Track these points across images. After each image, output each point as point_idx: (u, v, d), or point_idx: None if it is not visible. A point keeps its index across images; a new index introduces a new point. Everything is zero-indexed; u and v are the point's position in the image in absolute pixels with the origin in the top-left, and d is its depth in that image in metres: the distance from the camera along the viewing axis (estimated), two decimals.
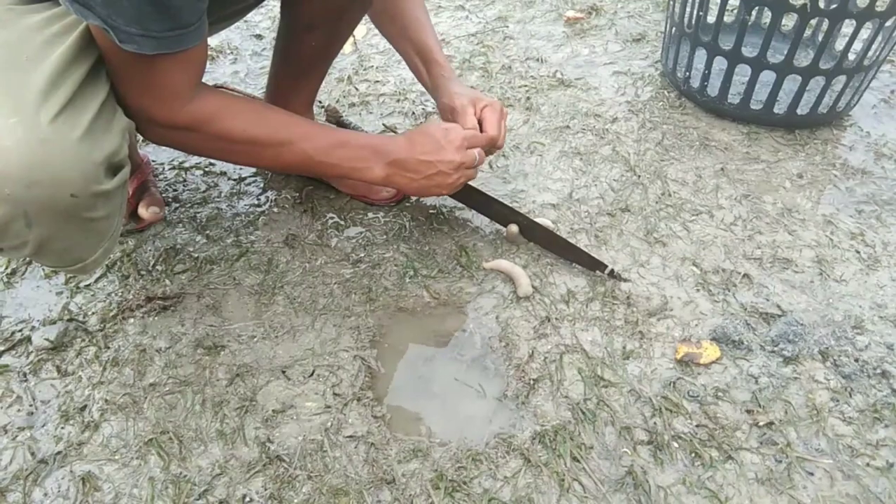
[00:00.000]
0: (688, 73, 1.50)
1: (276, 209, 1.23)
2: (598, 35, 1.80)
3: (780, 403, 0.93)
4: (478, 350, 1.00)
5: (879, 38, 1.32)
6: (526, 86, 1.59)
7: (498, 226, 1.18)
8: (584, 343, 1.00)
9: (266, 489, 0.83)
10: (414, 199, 1.25)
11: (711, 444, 0.88)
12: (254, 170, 1.31)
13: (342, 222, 1.20)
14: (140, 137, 1.36)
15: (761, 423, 0.90)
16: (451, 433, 0.89)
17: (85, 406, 0.92)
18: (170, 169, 1.32)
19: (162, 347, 0.99)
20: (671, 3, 1.50)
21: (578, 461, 0.86)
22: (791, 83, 1.38)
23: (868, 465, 0.86)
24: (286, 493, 0.83)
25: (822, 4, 1.24)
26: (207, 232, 1.18)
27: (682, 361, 0.98)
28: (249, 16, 1.68)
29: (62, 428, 0.89)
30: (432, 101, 1.23)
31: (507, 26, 1.84)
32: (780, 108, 1.42)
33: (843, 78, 1.37)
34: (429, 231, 1.19)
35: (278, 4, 1.07)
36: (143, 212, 1.14)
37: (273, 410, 0.91)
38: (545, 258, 1.14)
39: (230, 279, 1.09)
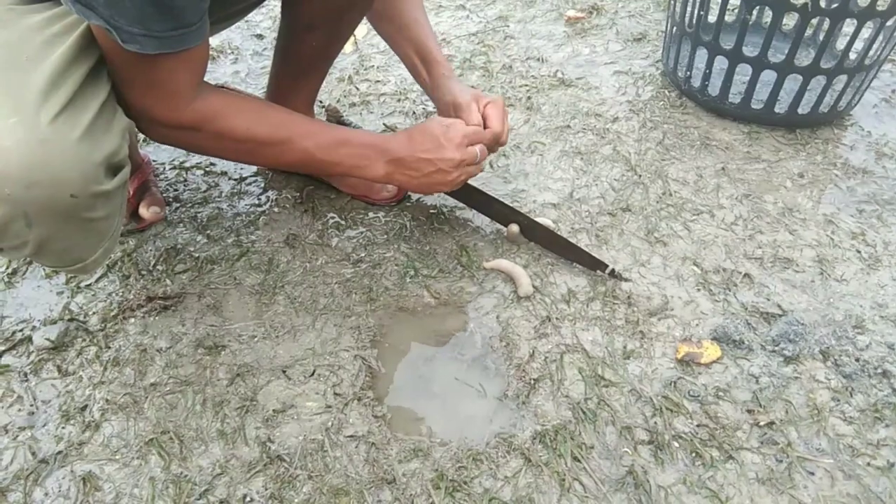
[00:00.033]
0: (689, 73, 1.50)
1: (276, 209, 1.23)
2: (599, 34, 1.80)
3: (780, 403, 0.93)
4: (478, 350, 1.00)
5: (880, 37, 1.32)
6: (527, 85, 1.59)
7: (498, 225, 1.18)
8: (584, 343, 1.00)
9: (267, 489, 0.83)
10: (415, 198, 1.25)
11: (712, 443, 0.88)
12: (254, 170, 1.32)
13: (343, 222, 1.20)
14: (141, 137, 1.37)
15: (762, 423, 0.90)
16: (452, 433, 0.89)
17: (86, 406, 0.92)
18: (170, 169, 1.32)
19: (163, 347, 0.99)
20: (672, 2, 1.50)
21: (579, 461, 0.86)
22: (792, 83, 1.38)
23: (869, 464, 0.86)
24: (287, 493, 0.83)
25: (823, 4, 1.24)
26: (208, 232, 1.18)
27: (683, 361, 0.98)
28: (250, 16, 1.68)
29: (63, 428, 0.89)
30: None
31: (508, 26, 1.84)
32: (780, 108, 1.42)
33: (844, 77, 1.37)
34: (429, 231, 1.19)
35: (279, 4, 1.07)
36: (144, 211, 1.14)
37: (274, 410, 0.91)
38: (546, 258, 1.14)
39: (231, 279, 1.09)
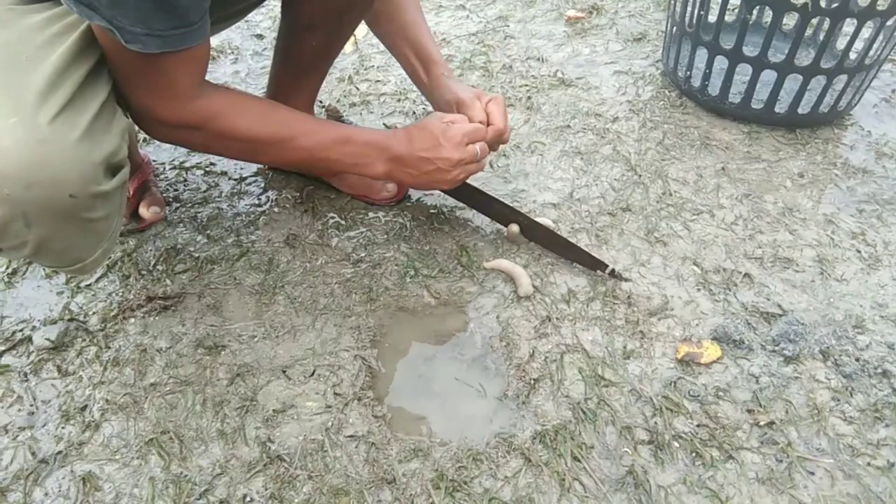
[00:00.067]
0: (689, 73, 1.50)
1: (276, 209, 1.23)
2: (599, 34, 1.80)
3: (780, 403, 0.93)
4: (478, 350, 1.00)
5: (881, 37, 1.32)
6: (527, 85, 1.59)
7: (499, 225, 1.18)
8: (584, 343, 1.00)
9: (267, 489, 0.83)
10: (415, 198, 1.25)
11: (712, 443, 0.88)
12: (254, 169, 1.32)
13: (343, 222, 1.20)
14: (141, 137, 1.37)
15: (762, 423, 0.90)
16: (452, 433, 0.89)
17: (86, 406, 0.92)
18: (170, 169, 1.32)
19: (163, 347, 0.99)
20: (672, 2, 1.50)
21: (579, 461, 0.86)
22: (792, 82, 1.38)
23: (869, 464, 0.86)
24: (287, 493, 0.83)
25: (823, 4, 1.24)
26: (208, 232, 1.18)
27: (683, 361, 0.98)
28: (250, 15, 1.68)
29: (63, 428, 0.89)
30: None
31: (508, 25, 1.84)
32: (781, 108, 1.42)
33: (844, 77, 1.37)
34: (429, 231, 1.19)
35: (279, 4, 1.07)
36: (144, 211, 1.14)
37: (274, 410, 0.91)
38: (546, 258, 1.14)
39: (231, 279, 1.09)
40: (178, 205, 1.23)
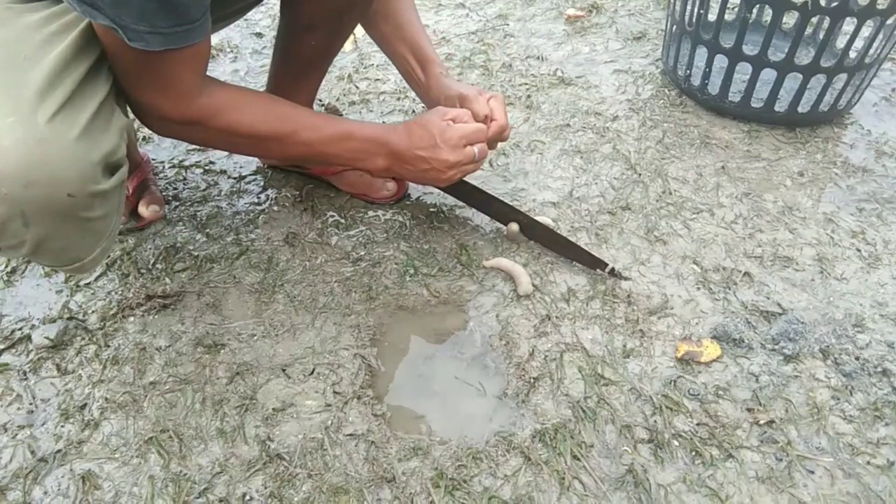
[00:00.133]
0: (688, 72, 1.50)
1: (276, 207, 1.23)
2: (599, 33, 1.80)
3: (780, 402, 0.93)
4: (478, 348, 1.00)
5: (880, 36, 1.31)
6: (526, 84, 1.59)
7: (498, 224, 1.18)
8: (584, 341, 1.00)
9: (266, 487, 0.83)
10: (414, 197, 1.25)
11: (712, 442, 0.88)
12: (254, 168, 1.31)
13: (342, 221, 1.20)
14: (140, 135, 1.37)
15: (762, 422, 0.90)
16: (452, 431, 0.89)
17: (85, 404, 0.92)
18: (170, 167, 1.32)
19: (162, 346, 0.99)
20: (672, 1, 1.50)
21: (579, 459, 0.86)
22: (792, 81, 1.38)
23: (869, 463, 0.86)
24: (286, 492, 0.83)
25: (823, 2, 1.24)
26: (207, 230, 1.18)
27: (683, 360, 0.98)
28: (250, 14, 1.68)
29: (62, 426, 0.89)
30: None
31: (508, 24, 1.84)
32: (780, 107, 1.41)
33: (843, 76, 1.37)
34: (429, 229, 1.18)
35: (278, 3, 1.07)
36: (144, 210, 1.14)
37: (273, 409, 0.91)
38: (545, 256, 1.14)
39: (230, 277, 1.09)
40: (177, 203, 1.23)
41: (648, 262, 1.13)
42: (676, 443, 0.88)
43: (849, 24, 1.29)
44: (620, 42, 1.76)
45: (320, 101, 1.48)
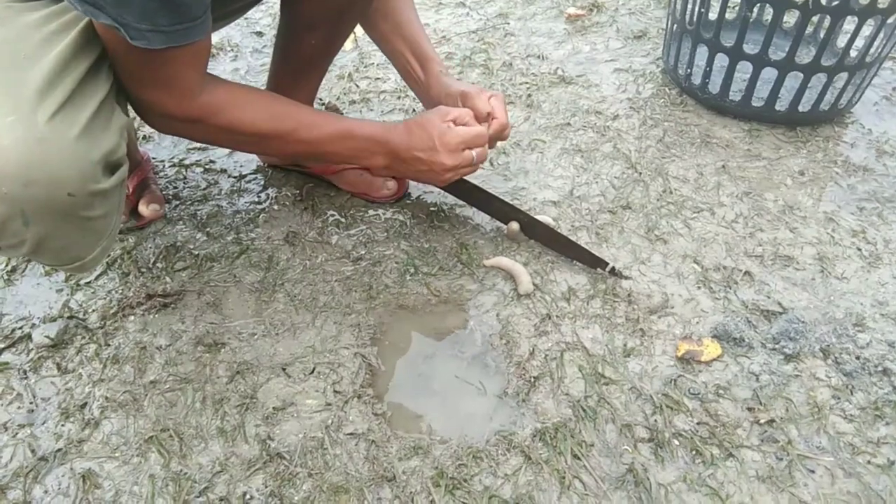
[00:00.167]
0: (689, 70, 1.50)
1: (276, 206, 1.23)
2: (600, 32, 1.80)
3: (781, 401, 0.93)
4: (478, 347, 1.00)
5: (881, 35, 1.31)
6: (527, 83, 1.59)
7: (499, 223, 1.18)
8: (584, 340, 1.00)
9: (266, 487, 0.83)
10: (414, 196, 1.25)
11: (712, 441, 0.88)
12: (254, 167, 1.31)
13: (343, 220, 1.20)
14: (140, 134, 1.37)
15: (762, 421, 0.90)
16: (452, 430, 0.89)
17: (85, 403, 0.92)
18: (170, 166, 1.32)
19: (162, 345, 0.99)
20: None
21: (579, 459, 0.86)
22: (792, 80, 1.37)
23: (869, 462, 0.86)
24: (287, 491, 0.83)
25: (823, 1, 1.24)
26: (208, 229, 1.18)
27: (683, 359, 0.98)
28: (250, 13, 1.68)
29: (62, 425, 0.89)
30: None
31: (508, 23, 1.84)
32: (781, 106, 1.41)
33: (844, 75, 1.37)
34: (429, 228, 1.18)
35: (278, 2, 1.07)
36: (144, 209, 1.14)
37: (273, 408, 0.91)
38: (546, 256, 1.14)
39: (231, 276, 1.09)
40: (177, 202, 1.23)
41: (649, 262, 1.13)
42: (677, 442, 0.88)
43: (849, 23, 1.29)
44: (621, 41, 1.76)
45: (321, 99, 1.48)
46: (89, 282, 1.08)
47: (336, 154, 1.02)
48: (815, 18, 1.57)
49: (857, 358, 0.98)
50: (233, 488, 0.83)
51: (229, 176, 1.30)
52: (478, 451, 0.86)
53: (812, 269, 1.12)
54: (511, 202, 1.17)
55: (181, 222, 1.19)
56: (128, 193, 1.13)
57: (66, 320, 1.02)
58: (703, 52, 1.44)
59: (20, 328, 1.01)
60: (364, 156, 1.02)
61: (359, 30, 1.74)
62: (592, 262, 1.10)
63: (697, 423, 0.90)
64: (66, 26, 0.75)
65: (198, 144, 1.36)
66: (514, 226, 1.14)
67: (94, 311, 1.04)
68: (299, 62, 1.13)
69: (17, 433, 0.89)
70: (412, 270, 1.11)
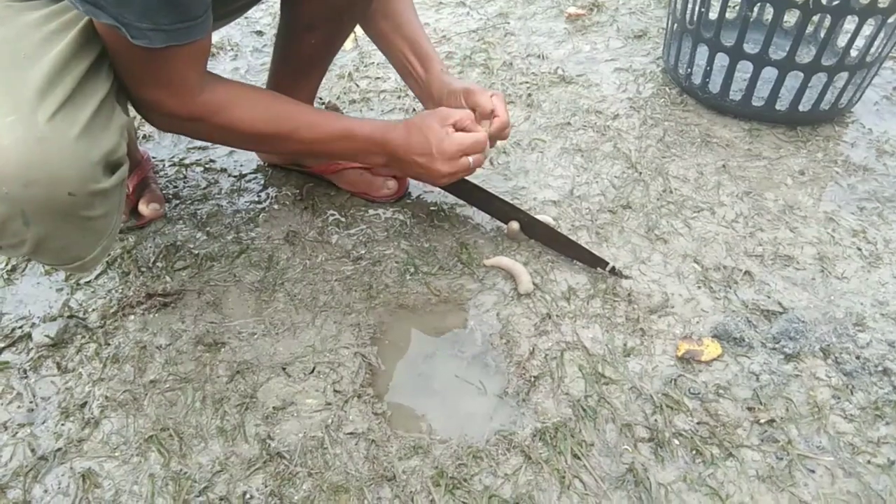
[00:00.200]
0: (689, 70, 1.49)
1: (276, 206, 1.23)
2: (600, 31, 1.80)
3: (781, 401, 0.93)
4: (478, 347, 1.00)
5: (882, 34, 1.31)
6: (527, 82, 1.59)
7: (499, 223, 1.18)
8: (584, 340, 1.00)
9: (266, 486, 0.83)
10: (415, 195, 1.25)
11: (712, 441, 0.88)
12: (254, 167, 1.31)
13: (343, 219, 1.20)
14: (140, 134, 1.37)
15: (762, 421, 0.90)
16: (452, 430, 0.89)
17: (85, 403, 0.92)
18: (170, 165, 1.32)
19: (162, 344, 0.99)
20: None
21: (579, 458, 0.86)
22: (793, 80, 1.37)
23: (869, 462, 0.86)
24: (287, 490, 0.83)
25: (824, 1, 1.24)
26: (208, 229, 1.17)
27: (683, 359, 0.98)
28: (250, 12, 1.68)
29: (62, 425, 0.89)
30: None
31: (509, 23, 1.83)
32: (781, 105, 1.41)
33: (845, 75, 1.37)
34: (429, 228, 1.18)
35: (279, 1, 1.06)
36: (144, 208, 1.14)
37: (273, 407, 0.91)
38: (546, 255, 1.13)
39: (231, 276, 1.09)
40: (177, 201, 1.23)
41: (649, 261, 1.13)
42: (677, 442, 0.88)
43: (850, 23, 1.29)
44: (621, 40, 1.76)
45: (321, 99, 1.48)
46: (89, 281, 1.08)
47: (336, 153, 1.04)
48: (815, 18, 1.57)
49: (858, 358, 0.98)
50: (233, 488, 0.83)
51: (229, 175, 1.30)
52: (478, 450, 0.86)
53: (812, 269, 1.12)
54: (511, 201, 1.17)
55: (181, 221, 1.19)
56: (128, 193, 1.13)
57: (66, 319, 1.02)
58: (703, 51, 1.44)
59: (20, 327, 1.01)
60: (363, 155, 1.03)
61: (359, 30, 1.74)
62: (592, 261, 1.10)
63: (697, 423, 0.90)
64: (66, 25, 0.75)
65: (198, 144, 1.36)
66: (515, 225, 1.14)
67: (94, 310, 1.04)
68: (299, 62, 1.13)
69: (16, 432, 0.89)
70: (412, 270, 1.11)
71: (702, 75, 1.46)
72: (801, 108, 1.40)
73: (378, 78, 1.59)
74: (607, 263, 1.09)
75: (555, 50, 1.71)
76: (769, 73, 1.36)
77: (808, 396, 0.93)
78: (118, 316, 1.03)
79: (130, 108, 0.89)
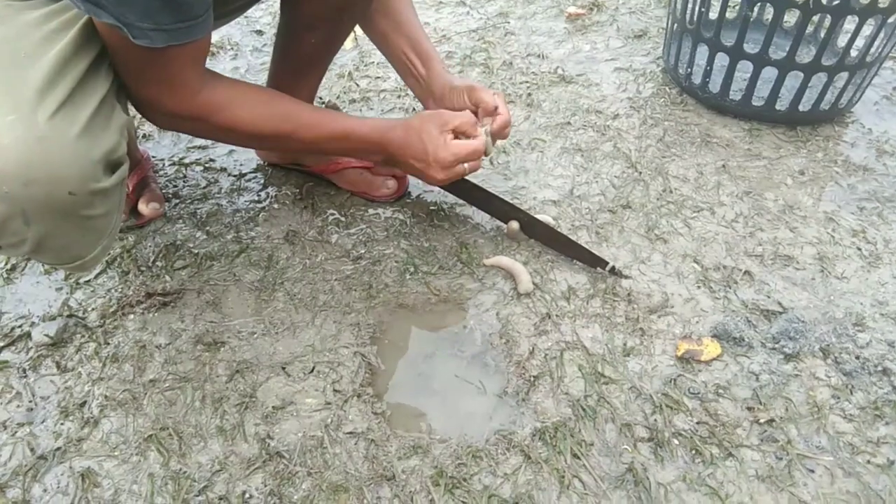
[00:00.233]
0: (689, 70, 1.49)
1: (276, 205, 1.23)
2: (600, 31, 1.80)
3: (780, 400, 0.93)
4: (478, 347, 1.00)
5: (882, 34, 1.31)
6: (527, 82, 1.58)
7: (499, 222, 1.18)
8: (584, 340, 1.00)
9: (266, 485, 0.83)
10: (415, 195, 1.25)
11: (712, 441, 0.88)
12: (254, 166, 1.31)
13: (342, 219, 1.20)
14: (140, 133, 1.37)
15: (762, 421, 0.90)
16: (452, 430, 0.89)
17: (84, 402, 0.92)
18: (170, 165, 1.32)
19: (162, 343, 0.99)
20: None
21: (579, 458, 0.86)
22: (793, 80, 1.37)
23: (869, 462, 0.86)
24: (286, 490, 0.83)
25: (824, 1, 1.24)
26: (207, 228, 1.17)
27: (683, 358, 0.98)
28: (250, 11, 1.68)
29: (62, 424, 0.89)
30: None
31: (509, 22, 1.83)
32: (781, 105, 1.41)
33: (845, 75, 1.37)
34: (429, 228, 1.18)
35: (279, 1, 1.06)
36: (143, 208, 1.14)
37: (273, 407, 0.91)
38: (546, 255, 1.13)
39: (230, 275, 1.09)
40: (177, 201, 1.23)
41: (649, 261, 1.13)
42: (676, 441, 0.88)
43: (850, 23, 1.29)
44: (621, 40, 1.76)
45: (321, 98, 1.48)
46: (89, 280, 1.08)
47: (335, 151, 1.07)
48: (815, 18, 1.57)
49: (857, 357, 0.98)
50: (232, 487, 0.83)
51: (229, 174, 1.30)
52: (477, 450, 0.86)
53: (812, 269, 1.12)
54: (511, 201, 1.17)
55: (181, 221, 1.19)
56: (128, 192, 1.13)
57: (66, 319, 1.02)
58: (703, 51, 1.44)
59: (20, 326, 1.01)
60: (362, 154, 1.08)
61: (358, 29, 1.74)
62: (592, 261, 1.10)
63: (697, 423, 0.90)
64: (66, 24, 0.75)
65: (198, 143, 1.36)
66: (514, 225, 1.14)
67: (93, 309, 1.04)
68: (299, 61, 1.13)
69: (16, 431, 0.89)
70: (412, 269, 1.11)
71: (702, 75, 1.46)
72: (801, 107, 1.40)
73: (378, 77, 1.59)
74: (607, 263, 1.09)
75: (555, 49, 1.71)
76: (769, 73, 1.36)
77: (808, 396, 0.93)
78: (118, 315, 1.03)
79: (130, 106, 0.89)
